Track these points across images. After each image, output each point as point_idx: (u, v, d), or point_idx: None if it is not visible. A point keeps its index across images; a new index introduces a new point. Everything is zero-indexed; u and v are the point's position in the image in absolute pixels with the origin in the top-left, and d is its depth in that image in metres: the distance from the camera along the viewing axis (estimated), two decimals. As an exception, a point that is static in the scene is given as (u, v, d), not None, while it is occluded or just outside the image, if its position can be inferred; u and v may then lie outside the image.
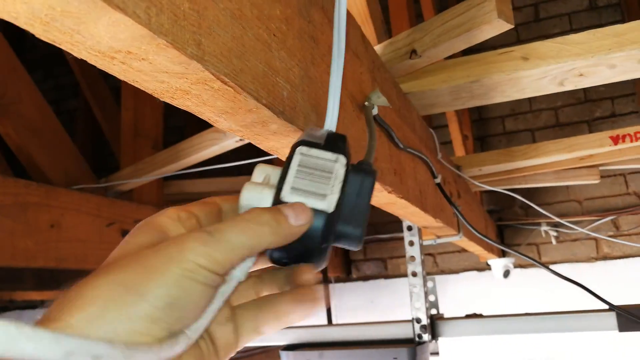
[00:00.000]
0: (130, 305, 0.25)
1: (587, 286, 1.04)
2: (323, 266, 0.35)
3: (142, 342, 0.25)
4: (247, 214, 0.31)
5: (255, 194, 0.34)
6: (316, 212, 0.34)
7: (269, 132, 0.42)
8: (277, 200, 0.34)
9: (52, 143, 1.24)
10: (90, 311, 0.25)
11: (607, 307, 1.07)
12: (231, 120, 0.39)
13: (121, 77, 0.31)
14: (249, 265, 0.32)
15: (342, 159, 0.37)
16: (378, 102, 0.63)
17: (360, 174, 0.37)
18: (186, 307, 0.27)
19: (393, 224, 2.81)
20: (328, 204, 0.34)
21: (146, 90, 0.33)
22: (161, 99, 0.34)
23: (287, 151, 0.47)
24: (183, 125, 2.92)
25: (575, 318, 1.09)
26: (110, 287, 0.26)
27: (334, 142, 0.38)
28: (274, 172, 0.36)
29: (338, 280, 2.91)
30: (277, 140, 0.44)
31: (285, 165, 0.36)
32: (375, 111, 0.64)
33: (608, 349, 2.39)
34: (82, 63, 2.08)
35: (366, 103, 0.62)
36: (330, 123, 0.42)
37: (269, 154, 0.50)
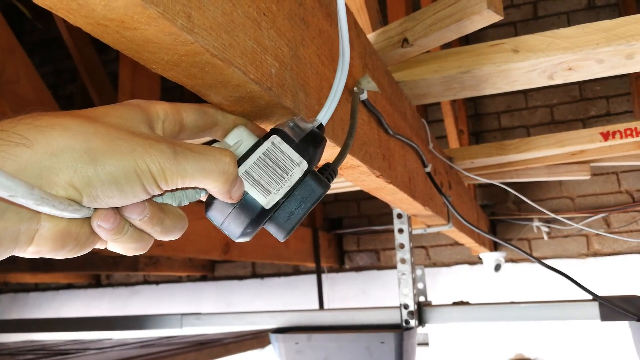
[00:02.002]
0: (79, 161, 0.29)
1: (577, 282, 1.06)
2: (240, 240, 0.39)
3: (57, 195, 0.28)
4: (218, 159, 0.34)
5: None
6: (254, 202, 0.37)
7: (257, 108, 0.44)
8: None
9: (49, 124, 1.25)
10: (50, 144, 0.28)
11: (591, 297, 1.10)
12: (221, 95, 0.40)
13: (114, 47, 0.32)
14: (187, 201, 0.36)
15: (304, 165, 0.39)
16: (367, 87, 0.65)
17: (315, 183, 0.39)
18: (118, 193, 0.30)
19: (386, 216, 2.84)
20: (267, 202, 0.37)
21: (138, 61, 0.34)
22: (153, 70, 0.36)
23: (275, 129, 0.49)
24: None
25: (559, 307, 1.12)
26: (77, 138, 0.29)
27: (308, 144, 0.40)
28: (246, 142, 0.39)
29: (331, 270, 2.94)
30: (265, 117, 0.46)
31: (254, 145, 0.38)
32: (364, 96, 0.66)
33: (594, 345, 2.42)
34: (81, 48, 2.06)
35: (355, 89, 0.64)
36: (324, 116, 0.44)
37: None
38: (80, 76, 2.40)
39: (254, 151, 0.38)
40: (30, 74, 1.26)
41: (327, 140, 0.53)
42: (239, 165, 0.37)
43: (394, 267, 2.84)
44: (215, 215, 0.38)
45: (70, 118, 0.30)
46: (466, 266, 2.74)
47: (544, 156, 1.61)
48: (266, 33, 0.42)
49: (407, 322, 1.15)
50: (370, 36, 0.85)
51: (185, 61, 0.35)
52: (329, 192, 2.10)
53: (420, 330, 1.24)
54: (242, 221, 0.37)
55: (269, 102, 0.43)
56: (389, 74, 0.87)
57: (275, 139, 0.38)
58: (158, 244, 1.46)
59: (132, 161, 0.30)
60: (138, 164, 0.30)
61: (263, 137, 0.39)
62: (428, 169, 1.04)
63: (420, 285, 1.24)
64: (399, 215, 1.19)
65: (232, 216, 0.37)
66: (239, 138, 0.39)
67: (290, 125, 0.40)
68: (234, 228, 0.37)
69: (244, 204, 0.37)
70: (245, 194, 0.37)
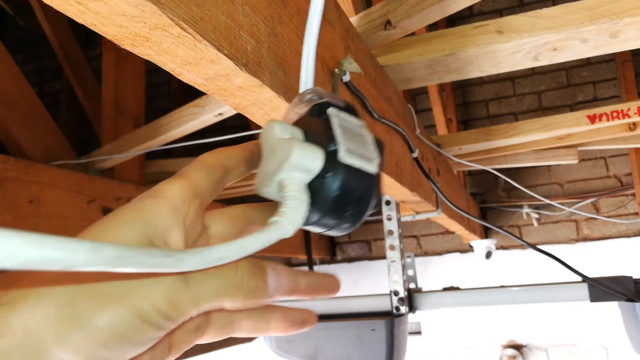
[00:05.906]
0: (67, 331, 0.24)
1: (566, 263, 1.06)
2: (352, 229, 0.34)
3: None
4: (232, 269, 0.29)
5: (309, 152, 0.32)
6: (366, 175, 0.33)
7: (233, 86, 0.43)
8: (336, 161, 0.32)
9: (30, 118, 1.23)
10: (27, 325, 0.23)
11: (580, 279, 1.10)
12: (194, 72, 0.39)
13: (79, 20, 0.31)
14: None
15: (364, 124, 0.36)
16: (350, 68, 0.64)
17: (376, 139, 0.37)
18: (130, 345, 0.25)
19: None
20: (375, 167, 0.34)
21: (105, 36, 0.33)
22: (122, 46, 0.35)
23: (254, 109, 0.49)
24: (168, 108, 2.91)
25: (549, 289, 1.12)
26: (56, 304, 0.24)
27: (351, 107, 0.37)
28: (294, 130, 0.35)
29: (323, 261, 2.94)
30: (243, 96, 0.45)
31: (323, 124, 0.34)
32: (347, 77, 0.65)
33: (584, 330, 2.44)
34: (64, 44, 2.03)
35: (336, 70, 0.63)
36: (305, 83, 0.41)
37: (253, 129, 0.51)
38: (65, 73, 2.37)
39: (333, 130, 0.33)
40: (8, 66, 1.24)
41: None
42: (335, 150, 0.32)
43: (385, 257, 2.84)
44: (325, 220, 0.33)
45: (45, 281, 0.24)
46: (457, 254, 2.75)
47: (532, 141, 1.61)
48: (240, 9, 0.41)
49: (397, 308, 1.15)
50: (353, 19, 0.84)
51: (155, 35, 0.34)
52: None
53: (413, 319, 1.24)
54: (367, 198, 0.33)
55: (246, 79, 0.42)
56: (373, 58, 0.86)
57: (332, 110, 0.35)
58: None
59: (130, 307, 0.25)
60: (138, 308, 0.25)
61: (321, 116, 0.34)
62: (415, 154, 1.04)
63: (410, 272, 1.23)
64: (387, 202, 1.19)
65: (355, 203, 0.32)
66: (287, 129, 0.35)
67: (322, 96, 0.37)
68: (357, 216, 0.33)
69: (362, 183, 0.33)
70: (356, 171, 0.32)
